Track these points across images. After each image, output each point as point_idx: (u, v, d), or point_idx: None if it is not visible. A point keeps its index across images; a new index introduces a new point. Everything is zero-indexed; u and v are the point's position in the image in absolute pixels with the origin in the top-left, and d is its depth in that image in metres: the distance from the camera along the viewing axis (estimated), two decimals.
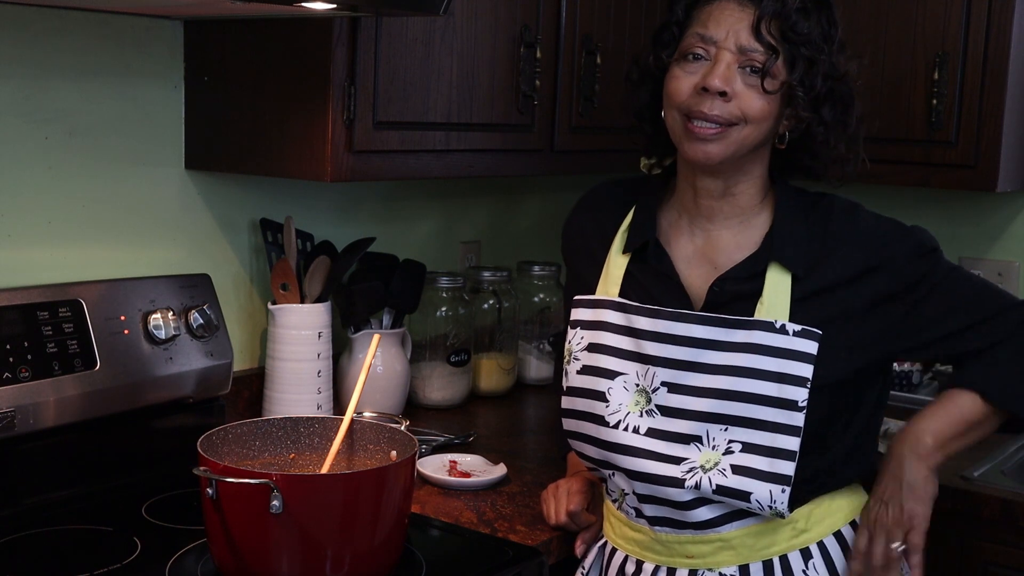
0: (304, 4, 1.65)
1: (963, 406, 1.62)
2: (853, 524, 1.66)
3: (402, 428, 1.74)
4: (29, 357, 1.80)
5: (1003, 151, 2.41)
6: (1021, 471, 2.29)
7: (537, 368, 2.79)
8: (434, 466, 2.08)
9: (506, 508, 1.94)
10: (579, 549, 1.80)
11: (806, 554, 1.61)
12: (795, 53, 1.55)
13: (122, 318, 1.94)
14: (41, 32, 1.91)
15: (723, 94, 1.53)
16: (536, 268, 2.81)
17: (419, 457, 1.98)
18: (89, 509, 1.85)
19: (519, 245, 3.00)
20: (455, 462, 2.12)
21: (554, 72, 2.34)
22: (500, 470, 2.07)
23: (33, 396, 1.79)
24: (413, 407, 2.52)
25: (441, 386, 2.55)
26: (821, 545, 1.62)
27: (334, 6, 1.67)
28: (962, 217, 2.81)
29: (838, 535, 1.64)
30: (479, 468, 2.10)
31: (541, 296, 2.81)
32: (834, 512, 1.63)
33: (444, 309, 2.57)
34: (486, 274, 2.71)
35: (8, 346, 1.78)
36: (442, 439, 2.27)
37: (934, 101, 2.43)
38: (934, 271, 1.61)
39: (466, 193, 2.83)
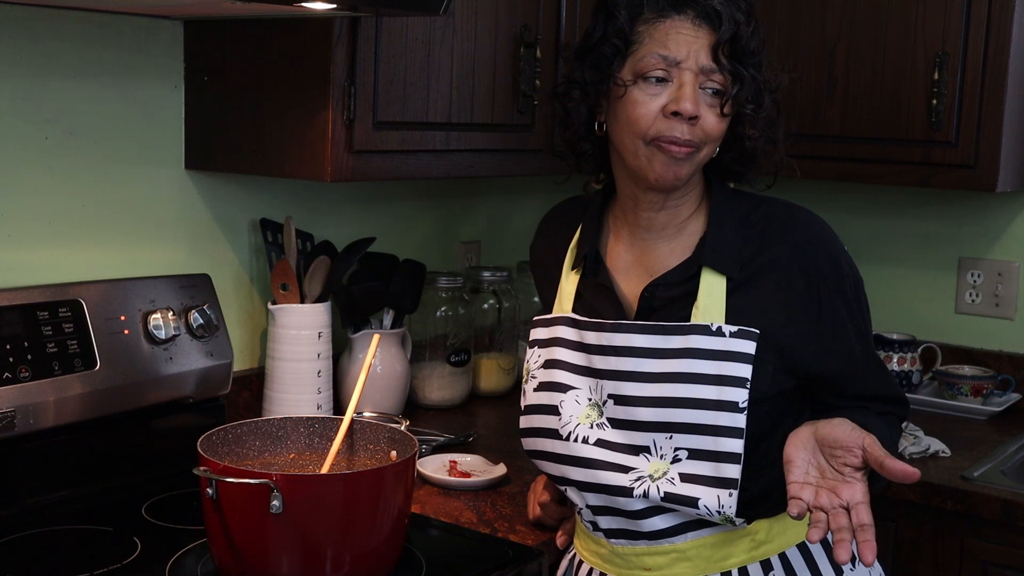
0: (304, 4, 1.65)
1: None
2: None
3: (402, 428, 1.74)
4: (29, 357, 1.80)
5: (1003, 151, 2.41)
6: (1021, 471, 2.29)
7: None
8: (434, 466, 2.08)
9: (506, 508, 1.94)
10: (560, 540, 1.80)
11: (766, 566, 1.58)
12: (744, 73, 1.54)
13: (122, 318, 1.94)
14: (41, 32, 1.91)
15: (693, 118, 1.52)
16: None
17: (419, 457, 1.98)
18: (89, 509, 1.85)
19: (519, 245, 2.99)
20: (455, 462, 2.12)
21: (554, 72, 2.34)
22: (500, 470, 2.08)
23: (33, 396, 1.79)
24: (413, 407, 2.52)
25: (441, 386, 2.55)
26: (783, 557, 1.58)
27: (334, 6, 1.67)
28: (962, 217, 2.81)
29: (802, 547, 1.60)
30: (479, 468, 2.10)
31: None
32: (798, 524, 1.59)
33: (444, 309, 2.57)
34: (486, 274, 2.71)
35: (8, 346, 1.78)
36: (442, 439, 2.27)
37: (934, 101, 2.43)
38: (847, 303, 1.58)
39: (466, 193, 2.83)
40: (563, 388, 1.61)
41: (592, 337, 1.60)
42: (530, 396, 1.66)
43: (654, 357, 1.55)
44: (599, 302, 1.63)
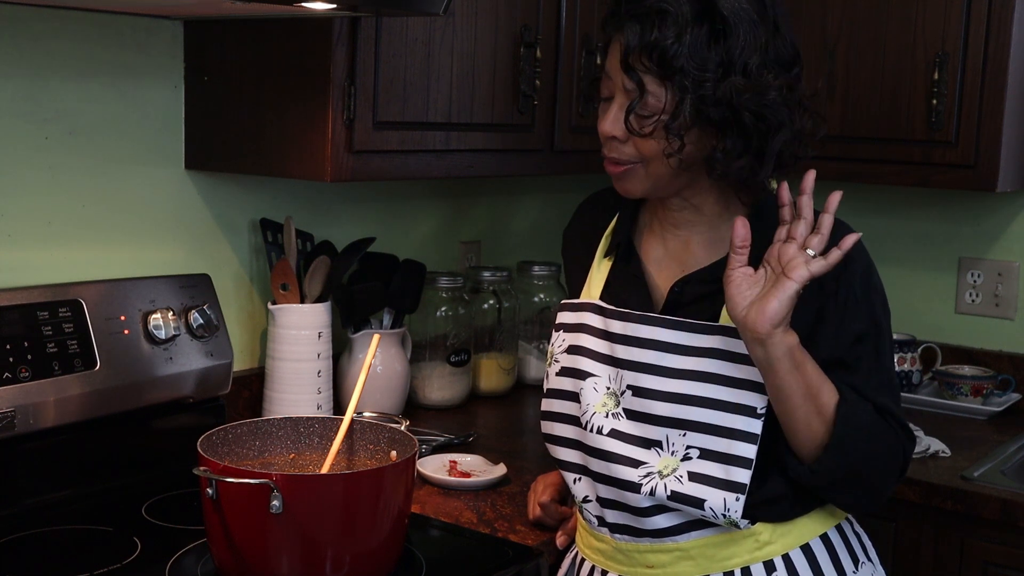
0: (304, 4, 1.65)
1: (825, 389, 1.50)
2: (824, 538, 1.61)
3: (402, 428, 1.74)
4: (29, 357, 1.80)
5: (1003, 151, 2.41)
6: (1021, 471, 2.29)
7: (537, 368, 2.79)
8: (434, 466, 2.08)
9: (506, 508, 1.94)
10: (560, 541, 1.80)
11: (769, 567, 1.57)
12: (673, 83, 1.47)
13: (122, 318, 1.94)
14: (41, 32, 1.91)
15: (614, 138, 1.52)
16: (536, 268, 2.82)
17: (419, 457, 1.98)
18: (89, 509, 1.85)
19: (519, 245, 3.00)
20: (455, 462, 2.12)
21: (554, 72, 2.34)
22: (500, 470, 2.08)
23: (33, 396, 1.79)
24: (413, 407, 2.52)
25: (441, 386, 2.55)
26: (786, 558, 1.57)
27: (334, 6, 1.67)
28: (962, 217, 2.81)
29: (806, 548, 1.59)
30: (479, 468, 2.10)
31: (541, 296, 2.81)
32: (801, 526, 1.59)
33: (444, 309, 2.57)
34: (486, 274, 2.71)
35: (8, 346, 1.78)
36: (442, 439, 2.27)
37: (934, 101, 2.43)
38: (872, 317, 1.56)
39: (466, 193, 2.83)
40: (584, 376, 1.62)
41: (618, 326, 1.60)
42: (552, 380, 1.67)
43: (678, 353, 1.55)
44: (628, 292, 1.63)
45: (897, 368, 2.69)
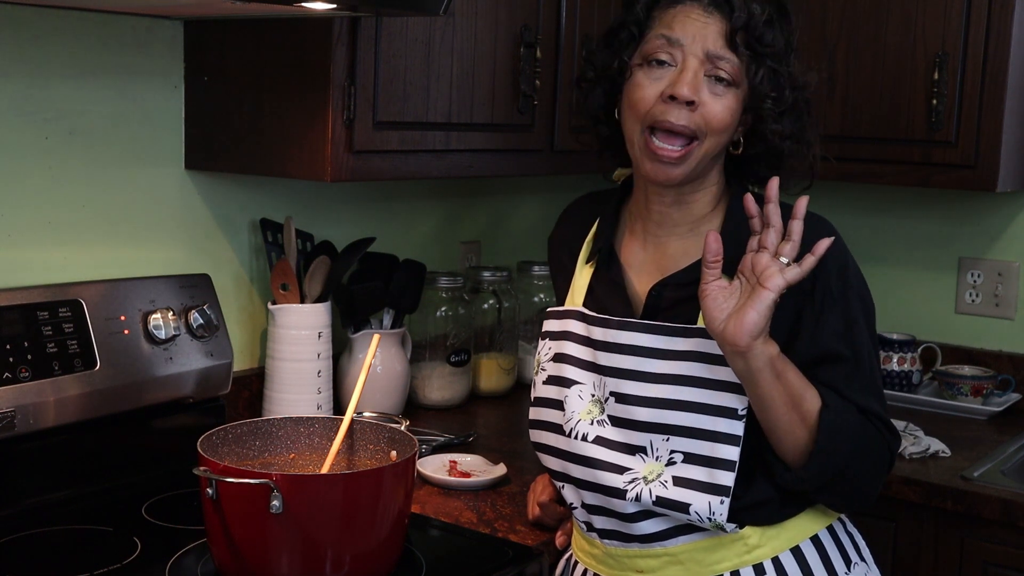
0: (304, 4, 1.65)
1: (808, 396, 1.50)
2: (815, 539, 1.60)
3: (402, 428, 1.74)
4: (29, 357, 1.80)
5: (1003, 151, 2.41)
6: (1021, 471, 2.29)
7: None
8: (434, 466, 2.08)
9: (506, 508, 1.94)
10: (559, 541, 1.80)
11: (759, 570, 1.56)
12: (760, 64, 1.52)
13: (122, 318, 1.94)
14: (41, 32, 1.91)
15: (691, 103, 1.51)
16: (536, 268, 2.82)
17: (419, 457, 1.98)
18: (89, 509, 1.85)
19: (519, 245, 3.00)
20: (455, 462, 2.12)
21: (554, 72, 2.34)
22: (500, 470, 2.08)
23: (33, 396, 1.79)
24: (413, 407, 2.52)
25: (441, 386, 2.55)
26: (776, 561, 1.57)
27: (334, 6, 1.67)
28: (962, 217, 2.81)
29: (796, 551, 1.58)
30: (479, 468, 2.10)
31: (541, 296, 2.81)
32: (791, 528, 1.58)
33: (444, 309, 2.57)
34: (486, 274, 2.71)
35: (8, 346, 1.78)
36: (442, 439, 2.27)
37: (934, 101, 2.43)
38: (846, 316, 1.55)
39: (466, 193, 2.83)
40: (569, 383, 1.62)
41: (599, 333, 1.60)
42: (539, 388, 1.67)
43: (658, 358, 1.55)
44: (609, 298, 1.63)
45: (897, 368, 2.69)
